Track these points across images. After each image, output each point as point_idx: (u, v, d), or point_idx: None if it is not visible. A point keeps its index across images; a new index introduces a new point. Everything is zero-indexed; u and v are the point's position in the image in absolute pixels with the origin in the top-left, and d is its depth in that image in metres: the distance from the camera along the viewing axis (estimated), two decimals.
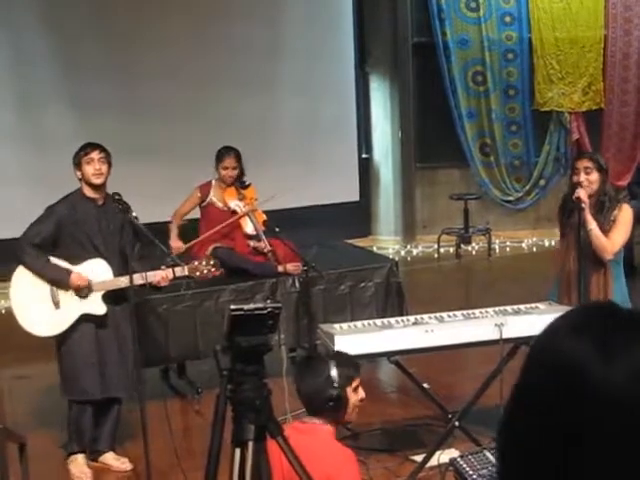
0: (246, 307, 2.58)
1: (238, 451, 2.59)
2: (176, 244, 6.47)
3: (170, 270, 4.91)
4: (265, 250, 6.39)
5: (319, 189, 10.41)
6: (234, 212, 6.52)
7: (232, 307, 2.59)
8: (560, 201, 5.22)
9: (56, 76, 9.25)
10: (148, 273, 4.85)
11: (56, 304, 4.85)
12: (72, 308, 4.86)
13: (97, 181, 4.89)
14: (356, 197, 11.24)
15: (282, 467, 2.83)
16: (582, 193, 4.80)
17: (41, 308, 4.85)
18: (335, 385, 3.29)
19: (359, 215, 11.21)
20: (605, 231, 4.86)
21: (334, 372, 3.33)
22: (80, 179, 4.93)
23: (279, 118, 10.38)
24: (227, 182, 6.54)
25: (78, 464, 5.01)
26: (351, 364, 3.47)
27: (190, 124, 9.63)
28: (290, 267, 6.32)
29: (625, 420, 0.97)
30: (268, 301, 2.65)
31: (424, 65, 11.09)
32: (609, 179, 5.09)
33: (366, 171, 11.39)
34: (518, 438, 1.05)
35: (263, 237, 6.43)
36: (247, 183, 6.69)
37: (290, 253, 6.31)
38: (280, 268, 6.33)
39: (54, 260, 4.86)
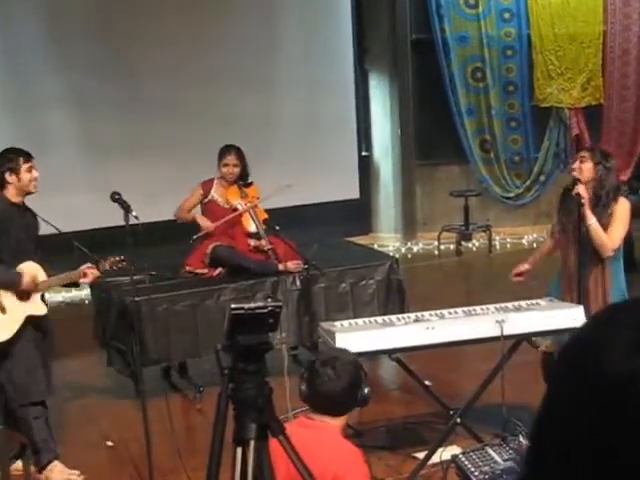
0: (247, 306, 2.58)
1: (240, 450, 2.59)
2: (205, 223, 6.46)
3: (95, 267, 4.88)
4: (266, 248, 6.40)
5: (319, 187, 10.41)
6: (236, 210, 6.53)
7: (233, 306, 2.59)
8: (560, 196, 5.24)
9: (55, 75, 9.23)
10: (74, 272, 4.84)
11: (2, 310, 4.75)
12: (18, 311, 4.78)
13: (35, 189, 4.86)
14: (356, 195, 11.24)
15: (287, 466, 2.83)
16: (581, 189, 4.81)
17: None
18: (366, 381, 3.33)
19: (359, 213, 11.20)
20: (603, 225, 4.85)
21: (363, 369, 3.37)
22: (10, 184, 4.79)
23: (279, 116, 10.37)
24: (228, 179, 6.55)
25: (59, 470, 4.90)
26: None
27: (190, 123, 9.63)
28: (291, 265, 6.32)
29: None
30: (269, 300, 2.65)
31: (423, 62, 11.07)
32: (612, 174, 5.02)
33: (366, 169, 11.38)
34: (548, 454, 0.96)
35: (264, 235, 6.43)
36: (249, 181, 6.69)
37: (290, 251, 6.32)
38: (281, 266, 6.32)
39: None
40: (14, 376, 4.81)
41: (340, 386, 3.25)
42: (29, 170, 4.81)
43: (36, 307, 4.85)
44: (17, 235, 4.83)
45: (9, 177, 4.80)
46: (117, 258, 4.95)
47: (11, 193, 4.83)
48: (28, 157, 4.84)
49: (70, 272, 4.88)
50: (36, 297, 4.84)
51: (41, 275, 4.85)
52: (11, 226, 4.81)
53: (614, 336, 0.90)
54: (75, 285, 5.11)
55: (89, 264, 4.86)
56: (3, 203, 4.83)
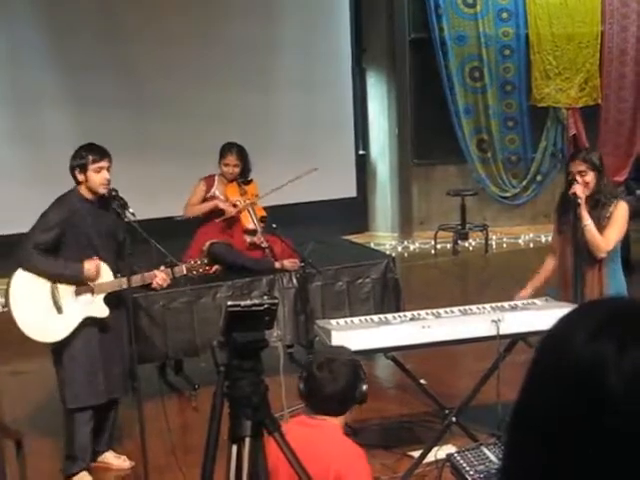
0: (243, 303, 2.58)
1: (235, 447, 2.60)
2: (228, 208, 6.44)
3: (169, 270, 4.86)
4: (262, 245, 6.40)
5: (316, 185, 10.34)
6: (235, 206, 6.53)
7: (229, 303, 2.59)
8: (558, 199, 5.21)
9: (55, 73, 9.23)
10: (147, 274, 4.81)
11: (58, 309, 4.70)
12: (75, 312, 4.72)
13: (104, 190, 4.70)
14: (353, 193, 11.24)
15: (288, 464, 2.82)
16: (578, 188, 4.76)
17: (44, 314, 4.68)
18: (365, 379, 3.33)
19: (356, 211, 11.21)
20: (600, 227, 4.81)
21: (361, 366, 3.36)
22: (80, 182, 4.72)
23: (276, 115, 10.38)
24: (228, 178, 6.56)
25: None
26: None
27: (189, 121, 9.63)
28: (287, 263, 6.32)
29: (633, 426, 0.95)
30: (265, 297, 2.66)
31: (421, 61, 11.09)
32: (606, 175, 5.01)
33: (363, 167, 11.39)
34: (526, 442, 1.03)
35: (260, 233, 6.43)
36: (249, 179, 6.69)
37: (287, 249, 6.32)
38: (277, 264, 6.33)
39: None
40: (70, 378, 4.76)
41: (338, 387, 3.24)
42: (98, 171, 4.68)
43: (96, 309, 4.75)
44: (86, 232, 4.73)
45: (79, 175, 4.70)
46: (199, 262, 4.91)
47: (84, 189, 4.74)
48: (99, 156, 4.69)
49: (143, 274, 4.80)
50: (98, 298, 4.75)
51: (106, 276, 4.77)
52: (79, 222, 4.70)
53: (580, 325, 1.03)
54: (147, 288, 4.95)
55: (163, 268, 4.79)
56: (74, 198, 4.74)
